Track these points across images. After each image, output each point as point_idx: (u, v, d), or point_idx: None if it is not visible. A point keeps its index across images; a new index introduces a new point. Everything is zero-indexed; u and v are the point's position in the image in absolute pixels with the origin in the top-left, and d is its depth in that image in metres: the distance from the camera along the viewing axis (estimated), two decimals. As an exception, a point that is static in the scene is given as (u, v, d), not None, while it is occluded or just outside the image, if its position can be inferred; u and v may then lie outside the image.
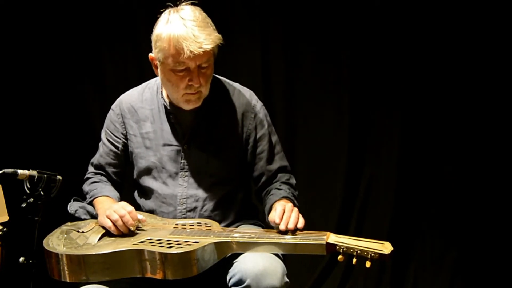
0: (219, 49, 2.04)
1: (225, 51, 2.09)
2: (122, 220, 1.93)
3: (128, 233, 1.95)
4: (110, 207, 1.99)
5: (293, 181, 2.25)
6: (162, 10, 2.05)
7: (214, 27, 2.03)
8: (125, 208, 1.96)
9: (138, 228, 1.98)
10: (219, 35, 2.01)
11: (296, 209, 1.95)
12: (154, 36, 2.03)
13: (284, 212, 1.92)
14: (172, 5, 2.05)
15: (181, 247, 1.81)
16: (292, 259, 2.06)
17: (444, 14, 3.19)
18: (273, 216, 1.92)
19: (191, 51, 1.93)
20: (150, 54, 2.09)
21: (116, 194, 2.21)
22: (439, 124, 3.29)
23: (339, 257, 1.81)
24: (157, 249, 1.81)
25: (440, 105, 3.28)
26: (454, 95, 3.25)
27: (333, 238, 1.82)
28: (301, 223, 1.92)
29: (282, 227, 1.88)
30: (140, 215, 2.00)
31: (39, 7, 3.36)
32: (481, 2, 3.13)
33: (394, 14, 3.26)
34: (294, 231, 1.90)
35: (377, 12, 3.28)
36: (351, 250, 1.79)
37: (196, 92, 2.05)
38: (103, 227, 1.99)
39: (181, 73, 2.01)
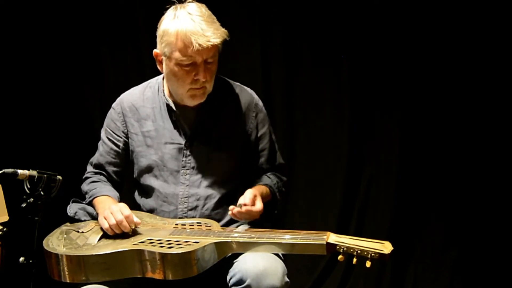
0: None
1: (225, 51, 2.10)
2: (119, 226, 1.93)
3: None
4: (109, 207, 1.99)
5: (284, 178, 2.30)
6: (167, 6, 2.07)
7: (219, 23, 2.05)
8: (123, 211, 1.95)
9: (134, 230, 1.97)
10: (226, 30, 2.04)
11: (260, 199, 2.03)
12: (160, 32, 2.05)
13: (254, 197, 2.01)
14: (176, 2, 2.07)
15: (181, 247, 1.81)
16: (293, 259, 2.06)
17: (443, 14, 3.19)
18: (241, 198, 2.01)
19: (199, 44, 1.96)
20: (154, 50, 2.11)
21: (115, 193, 2.21)
22: (439, 124, 3.29)
23: (339, 257, 1.81)
24: (157, 249, 1.81)
25: (440, 105, 3.28)
26: (454, 95, 3.25)
27: (333, 238, 1.83)
28: (252, 216, 2.01)
29: (240, 201, 1.99)
30: (136, 218, 1.98)
31: (39, 7, 3.35)
32: (481, 2, 3.13)
33: (394, 15, 3.26)
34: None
35: (377, 13, 3.28)
36: (351, 250, 1.79)
37: (201, 87, 2.06)
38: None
39: (187, 68, 2.02)
